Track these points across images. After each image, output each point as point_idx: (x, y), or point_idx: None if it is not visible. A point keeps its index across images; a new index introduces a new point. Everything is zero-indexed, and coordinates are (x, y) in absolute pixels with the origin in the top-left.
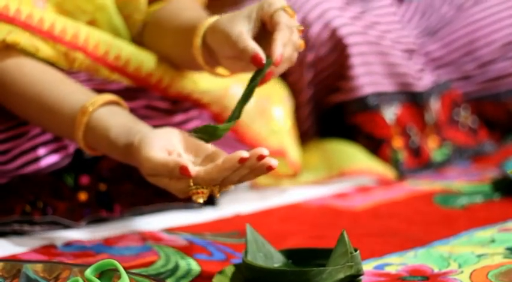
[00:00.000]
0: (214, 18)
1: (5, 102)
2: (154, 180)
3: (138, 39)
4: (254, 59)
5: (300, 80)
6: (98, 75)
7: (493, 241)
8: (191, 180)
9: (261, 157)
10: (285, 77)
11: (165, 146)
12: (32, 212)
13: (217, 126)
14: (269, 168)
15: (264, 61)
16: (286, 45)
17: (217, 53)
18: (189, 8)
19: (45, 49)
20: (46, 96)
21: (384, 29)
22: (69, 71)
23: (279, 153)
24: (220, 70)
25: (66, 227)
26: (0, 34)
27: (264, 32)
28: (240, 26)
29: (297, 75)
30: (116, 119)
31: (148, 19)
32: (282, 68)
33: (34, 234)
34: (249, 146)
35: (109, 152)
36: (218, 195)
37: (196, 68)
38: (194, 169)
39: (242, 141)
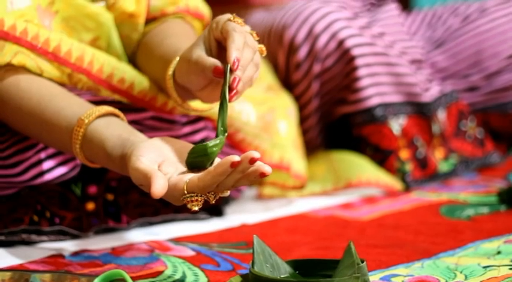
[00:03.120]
0: (175, 60)
1: (5, 119)
2: (144, 189)
3: (132, 59)
4: (215, 71)
5: (306, 91)
6: (99, 94)
7: (499, 253)
8: (185, 189)
9: (252, 160)
10: (291, 88)
11: (155, 157)
12: (39, 222)
13: (206, 144)
14: (262, 175)
15: (223, 68)
16: (243, 49)
17: (189, 88)
18: (174, 34)
19: (50, 70)
20: (43, 111)
21: (391, 39)
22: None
23: (282, 167)
24: (193, 104)
25: (74, 236)
26: (6, 56)
27: (223, 51)
28: (197, 51)
29: (304, 86)
30: (112, 131)
31: (140, 39)
32: (249, 72)
33: (42, 244)
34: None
35: (106, 164)
36: (213, 201)
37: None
38: (161, 185)
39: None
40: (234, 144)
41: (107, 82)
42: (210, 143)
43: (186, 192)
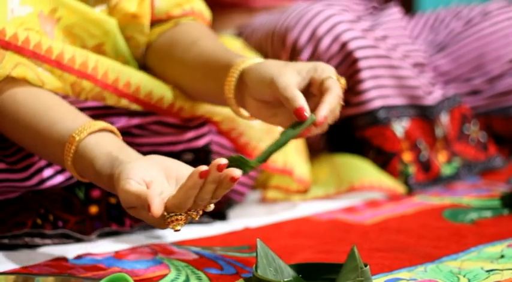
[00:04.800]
0: (252, 59)
1: (3, 130)
2: (133, 212)
3: (142, 61)
4: (299, 111)
5: None
6: (104, 103)
7: (502, 257)
8: (164, 209)
9: (220, 167)
10: None
11: (144, 177)
12: (43, 225)
13: (248, 161)
14: (232, 180)
15: (308, 116)
16: (331, 112)
17: (252, 92)
18: (201, 36)
19: (52, 81)
20: (37, 124)
21: (394, 42)
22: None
23: (286, 172)
24: (243, 110)
25: (77, 240)
26: (6, 68)
27: (307, 93)
28: (290, 77)
29: None
30: (102, 149)
31: (152, 42)
32: (315, 131)
33: (45, 247)
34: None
35: (95, 181)
36: (197, 218)
37: (214, 101)
38: (158, 203)
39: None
40: (239, 148)
41: (113, 87)
42: (251, 162)
43: (165, 213)
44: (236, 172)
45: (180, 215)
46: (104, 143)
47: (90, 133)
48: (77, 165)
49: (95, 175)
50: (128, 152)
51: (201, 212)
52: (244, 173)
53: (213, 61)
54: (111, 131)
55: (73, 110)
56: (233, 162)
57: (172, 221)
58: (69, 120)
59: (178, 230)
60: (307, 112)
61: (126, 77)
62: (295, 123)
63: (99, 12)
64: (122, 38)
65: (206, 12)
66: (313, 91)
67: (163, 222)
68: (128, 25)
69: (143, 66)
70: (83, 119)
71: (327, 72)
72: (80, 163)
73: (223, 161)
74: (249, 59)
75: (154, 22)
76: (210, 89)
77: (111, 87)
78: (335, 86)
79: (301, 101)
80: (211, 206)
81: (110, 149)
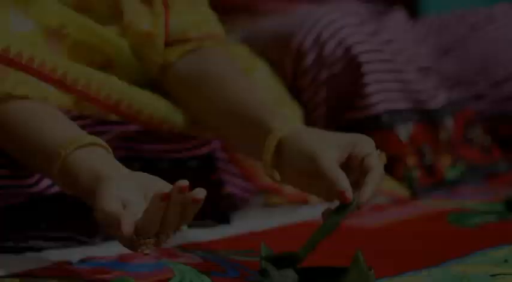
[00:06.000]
0: (289, 125)
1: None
2: (109, 231)
3: (159, 81)
4: (342, 196)
5: (313, 98)
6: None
7: (506, 261)
8: (134, 232)
9: (181, 190)
10: (298, 94)
11: (121, 195)
12: (47, 228)
13: (298, 256)
14: (195, 201)
15: (351, 199)
16: (374, 192)
17: (289, 163)
18: (231, 73)
19: (56, 97)
20: (26, 137)
21: (398, 46)
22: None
23: (273, 189)
24: (276, 174)
25: (82, 243)
26: (6, 86)
27: (345, 167)
28: (331, 153)
29: (311, 93)
30: (87, 164)
31: (172, 61)
32: (355, 211)
33: (49, 250)
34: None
35: (80, 196)
36: (166, 241)
37: (241, 150)
38: (129, 224)
39: (243, 174)
40: (236, 161)
41: (115, 108)
42: (301, 255)
43: (134, 236)
44: (199, 194)
45: (149, 238)
46: (89, 159)
47: (77, 148)
48: (63, 179)
49: (78, 190)
50: (112, 169)
51: (171, 235)
52: (295, 264)
53: (246, 116)
54: (100, 145)
55: (64, 123)
56: (283, 258)
57: (141, 244)
58: (57, 134)
59: (148, 254)
60: (350, 195)
61: (129, 98)
62: (338, 206)
63: (109, 31)
64: (132, 56)
65: (222, 33)
66: (352, 166)
67: (133, 245)
68: (142, 45)
69: (159, 85)
70: (72, 132)
71: (367, 148)
72: (65, 178)
73: (185, 183)
74: (285, 124)
75: (171, 42)
76: (240, 141)
77: (112, 108)
78: (377, 165)
79: (344, 184)
80: (185, 227)
81: (94, 165)
